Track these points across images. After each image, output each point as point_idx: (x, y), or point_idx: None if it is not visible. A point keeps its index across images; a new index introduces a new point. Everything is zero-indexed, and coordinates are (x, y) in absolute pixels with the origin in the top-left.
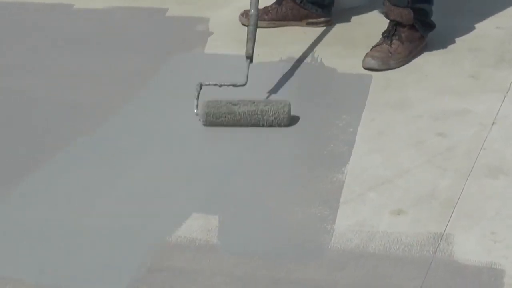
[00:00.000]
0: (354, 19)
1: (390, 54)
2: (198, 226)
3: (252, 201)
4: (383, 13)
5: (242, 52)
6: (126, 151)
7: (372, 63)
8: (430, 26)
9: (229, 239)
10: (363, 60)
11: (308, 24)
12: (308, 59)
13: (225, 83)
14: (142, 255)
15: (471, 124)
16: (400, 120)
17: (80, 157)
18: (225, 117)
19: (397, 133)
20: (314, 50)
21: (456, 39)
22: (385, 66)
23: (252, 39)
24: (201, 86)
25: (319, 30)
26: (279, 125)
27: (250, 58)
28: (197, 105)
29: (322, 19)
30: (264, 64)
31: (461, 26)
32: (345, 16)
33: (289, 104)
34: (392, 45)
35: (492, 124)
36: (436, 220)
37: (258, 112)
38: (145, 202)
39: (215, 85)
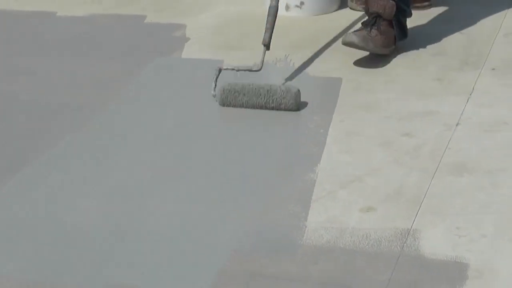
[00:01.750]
0: (327, 24)
1: (369, 37)
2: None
3: (226, 199)
4: (362, 7)
5: (217, 57)
6: (112, 150)
7: (354, 38)
8: (404, 32)
9: (203, 235)
10: (343, 37)
11: (413, 8)
12: (279, 62)
13: (241, 68)
14: (130, 252)
15: (437, 124)
16: (369, 121)
17: (68, 155)
18: (239, 95)
19: (366, 134)
20: (286, 54)
21: (422, 44)
22: (364, 44)
23: (270, 29)
24: (220, 70)
25: (289, 33)
26: (288, 109)
27: (266, 46)
28: (214, 87)
29: (426, 3)
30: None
31: (426, 31)
32: (318, 22)
33: (298, 90)
34: (371, 33)
35: (456, 125)
36: (404, 217)
37: (269, 93)
38: (129, 199)
39: (232, 69)
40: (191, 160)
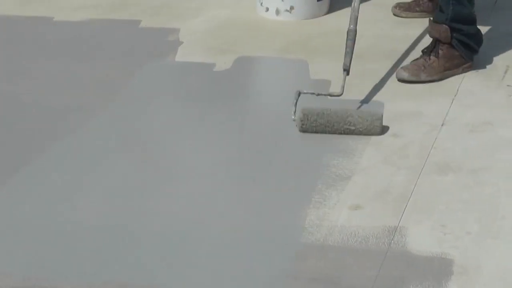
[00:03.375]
0: (317, 28)
1: (423, 68)
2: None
3: (222, 197)
4: (428, 31)
5: (210, 60)
6: (110, 151)
7: (403, 74)
8: (471, 48)
9: (201, 234)
10: (396, 71)
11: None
12: (266, 63)
13: (322, 93)
14: (130, 252)
15: (423, 125)
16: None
17: (67, 156)
18: (320, 121)
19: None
20: (276, 56)
21: (409, 47)
22: (415, 77)
23: (350, 53)
24: (299, 94)
25: (279, 37)
26: (371, 134)
27: (347, 70)
28: (294, 112)
29: None
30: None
31: (413, 34)
32: (307, 26)
33: (381, 116)
34: (428, 60)
35: (442, 125)
36: (391, 214)
37: (351, 120)
38: (129, 199)
39: (312, 93)
40: (190, 160)
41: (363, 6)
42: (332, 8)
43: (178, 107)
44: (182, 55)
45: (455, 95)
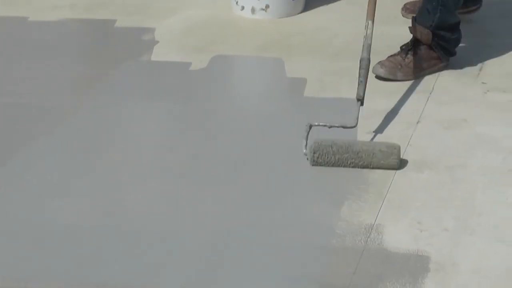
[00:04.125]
0: (292, 26)
1: (400, 66)
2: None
3: (203, 194)
4: (409, 27)
5: (186, 59)
6: (84, 151)
7: (380, 71)
8: (449, 52)
9: (187, 231)
10: (373, 66)
11: (460, 13)
12: (242, 62)
13: (335, 125)
14: (111, 250)
15: (398, 122)
16: (334, 119)
17: (41, 157)
18: (334, 157)
19: (331, 132)
20: (252, 55)
21: (385, 45)
22: (392, 76)
23: (363, 82)
24: (310, 126)
25: (255, 36)
26: (388, 168)
27: (361, 100)
28: (305, 145)
29: (472, 7)
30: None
31: (391, 32)
32: (283, 24)
33: (399, 148)
34: (406, 59)
35: (417, 123)
36: (367, 212)
37: (367, 155)
38: (108, 198)
39: (324, 125)
40: (166, 159)
41: (339, 4)
42: (307, 7)
43: (154, 106)
44: (157, 55)
45: (430, 93)
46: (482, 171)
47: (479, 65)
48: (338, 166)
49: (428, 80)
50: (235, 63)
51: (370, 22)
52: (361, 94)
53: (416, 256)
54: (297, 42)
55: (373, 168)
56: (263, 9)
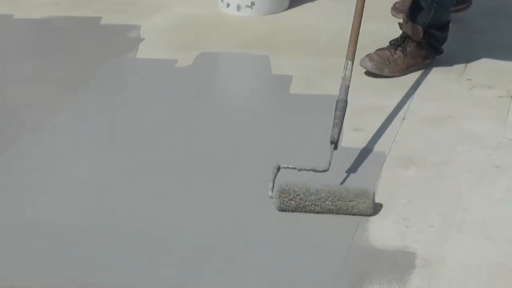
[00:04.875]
0: (278, 23)
1: (387, 62)
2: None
3: (185, 195)
4: (398, 23)
5: (172, 56)
6: (68, 150)
7: (368, 64)
8: (438, 50)
9: (172, 230)
10: (362, 59)
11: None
12: (228, 59)
13: (305, 167)
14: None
15: (385, 119)
16: (320, 117)
17: (23, 156)
18: (300, 201)
19: (318, 130)
20: (237, 52)
21: (371, 41)
22: (378, 71)
23: (338, 125)
24: (278, 168)
25: (241, 33)
26: (361, 214)
27: (334, 143)
28: (272, 188)
29: (461, 6)
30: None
31: (376, 28)
32: (268, 21)
33: (373, 193)
34: (394, 55)
35: (403, 119)
36: None
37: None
38: (88, 197)
39: (293, 168)
40: (155, 155)
41: (324, 1)
42: (293, 4)
43: (140, 104)
44: (143, 52)
45: (416, 89)
46: (468, 167)
47: (465, 61)
48: (306, 212)
49: (414, 77)
50: (221, 60)
51: (349, 63)
52: (335, 137)
53: (402, 253)
54: (282, 39)
55: (345, 214)
56: (248, 6)
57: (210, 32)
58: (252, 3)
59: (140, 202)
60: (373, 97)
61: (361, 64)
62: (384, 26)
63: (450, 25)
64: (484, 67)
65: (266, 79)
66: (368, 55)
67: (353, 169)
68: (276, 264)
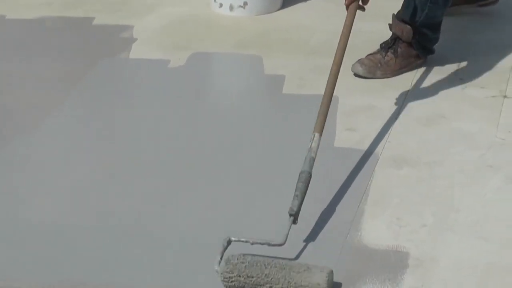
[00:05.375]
0: (270, 23)
1: (379, 65)
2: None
3: (172, 195)
4: (388, 24)
5: (165, 56)
6: (61, 151)
7: (359, 69)
8: (430, 50)
9: (158, 231)
10: (353, 64)
11: (480, 5)
12: (221, 59)
13: (258, 241)
14: (79, 250)
15: (377, 119)
16: (313, 117)
17: (17, 157)
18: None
19: (310, 130)
20: (230, 52)
21: (365, 41)
22: (370, 74)
23: (299, 197)
24: (229, 241)
25: (234, 33)
26: None
27: (293, 216)
28: (219, 262)
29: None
30: None
31: (369, 28)
32: (261, 21)
33: (331, 272)
34: (386, 57)
35: (396, 119)
36: (346, 208)
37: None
38: (82, 198)
39: (246, 242)
40: (144, 157)
41: (317, 1)
42: (285, 4)
43: (133, 104)
44: (136, 52)
45: (409, 89)
46: (460, 167)
47: (457, 61)
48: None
49: (407, 77)
50: (213, 60)
51: (317, 135)
52: (294, 209)
53: (395, 252)
54: (275, 39)
55: None
56: (241, 6)
57: (202, 32)
58: (245, 3)
59: (136, 202)
60: (365, 97)
61: (352, 70)
62: (375, 26)
63: (442, 24)
64: (476, 67)
65: (259, 79)
66: (359, 60)
67: (345, 169)
68: None
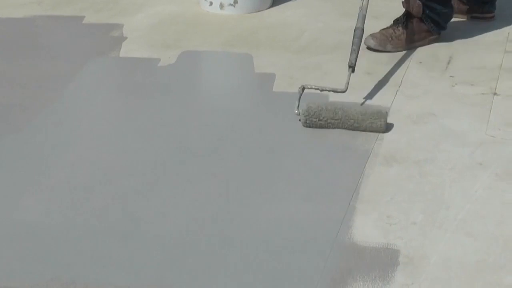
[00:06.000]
0: (261, 22)
1: (390, 39)
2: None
3: (161, 191)
4: (402, 1)
5: (155, 55)
6: (53, 149)
7: (371, 42)
8: (440, 25)
9: (152, 229)
10: (365, 37)
11: (472, 18)
12: (211, 58)
13: (326, 88)
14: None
15: None
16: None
17: (9, 156)
18: (324, 118)
19: (300, 127)
20: (220, 50)
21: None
22: (381, 47)
23: (356, 51)
24: (303, 88)
25: (224, 31)
26: (375, 131)
27: (352, 67)
28: (298, 106)
29: (487, 15)
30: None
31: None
32: (251, 19)
33: (386, 113)
34: (396, 31)
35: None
36: (337, 206)
37: (355, 118)
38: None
39: (316, 89)
40: (134, 156)
41: None
42: (275, 2)
43: (123, 103)
44: (126, 51)
45: (399, 86)
46: (450, 165)
47: (447, 58)
48: (328, 127)
49: (397, 74)
50: (203, 58)
51: None
52: (353, 61)
53: (385, 250)
54: (265, 38)
55: (361, 130)
56: (231, 5)
57: (193, 30)
58: (235, 2)
59: (128, 201)
60: (355, 95)
61: (365, 43)
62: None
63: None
64: (466, 64)
65: (249, 77)
66: (371, 34)
67: (336, 166)
68: (264, 262)
